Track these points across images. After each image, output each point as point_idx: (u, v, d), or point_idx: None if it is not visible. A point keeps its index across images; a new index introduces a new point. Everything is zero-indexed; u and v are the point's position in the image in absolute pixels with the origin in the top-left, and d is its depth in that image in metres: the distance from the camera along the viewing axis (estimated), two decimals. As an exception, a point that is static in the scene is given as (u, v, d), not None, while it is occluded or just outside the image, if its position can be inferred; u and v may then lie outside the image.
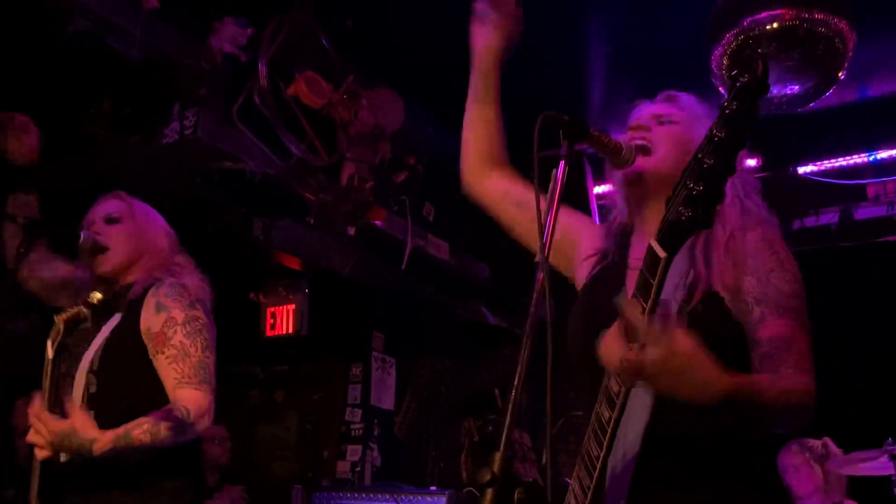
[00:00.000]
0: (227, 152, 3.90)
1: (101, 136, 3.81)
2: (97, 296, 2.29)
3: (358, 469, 5.73)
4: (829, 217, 5.11)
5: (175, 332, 2.26)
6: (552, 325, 1.37)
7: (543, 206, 1.47)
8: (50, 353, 2.20)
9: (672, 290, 1.59)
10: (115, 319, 2.36)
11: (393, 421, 6.10)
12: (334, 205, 4.19)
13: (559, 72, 4.53)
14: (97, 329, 2.35)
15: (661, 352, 1.23)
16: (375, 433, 5.88)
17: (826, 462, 3.95)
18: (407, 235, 4.89)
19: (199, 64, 3.65)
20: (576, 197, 5.52)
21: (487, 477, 1.17)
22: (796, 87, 3.43)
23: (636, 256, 1.76)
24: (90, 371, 2.28)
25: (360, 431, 5.84)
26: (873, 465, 3.79)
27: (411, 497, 4.41)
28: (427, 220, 5.18)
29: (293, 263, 4.95)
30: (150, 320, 2.29)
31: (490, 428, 5.74)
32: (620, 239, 1.82)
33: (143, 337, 2.29)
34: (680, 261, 1.63)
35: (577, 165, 5.45)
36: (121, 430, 2.09)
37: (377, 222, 4.61)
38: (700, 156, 1.17)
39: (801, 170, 5.12)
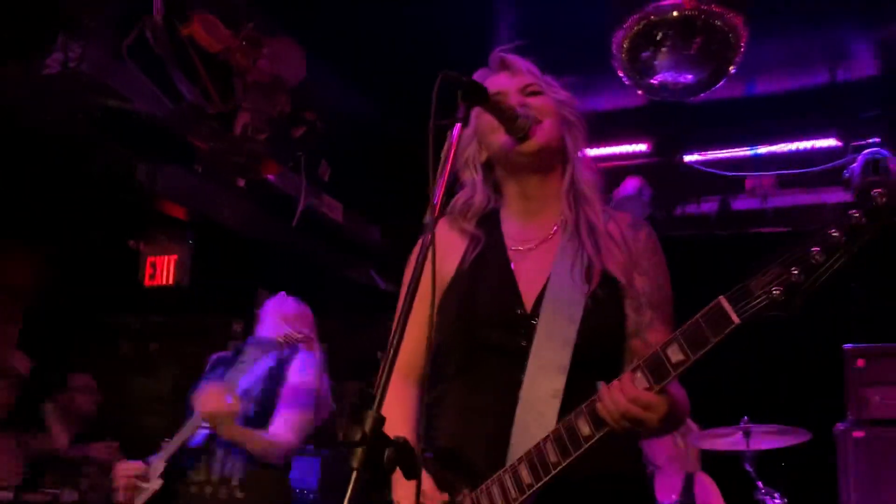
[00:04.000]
0: (113, 89, 3.69)
1: (-27, 62, 3.54)
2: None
3: (234, 426, 5.62)
4: (710, 206, 5.35)
5: (301, 395, 3.23)
6: (434, 288, 1.37)
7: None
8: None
9: (569, 271, 1.61)
10: (270, 361, 3.28)
11: (273, 380, 6.02)
12: (225, 154, 4.05)
13: (463, 39, 4.50)
14: (255, 359, 3.26)
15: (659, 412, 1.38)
16: (254, 391, 5.79)
17: (686, 436, 4.17)
18: (300, 193, 4.78)
19: (86, -9, 3.43)
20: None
21: (359, 436, 1.15)
22: (690, 77, 3.55)
23: (513, 237, 1.73)
24: (250, 397, 3.15)
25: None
26: (729, 440, 4.02)
27: (286, 456, 4.35)
28: (322, 180, 5.08)
29: (178, 212, 4.78)
30: (294, 375, 3.25)
31: (371, 390, 5.74)
32: (487, 220, 1.77)
33: (271, 382, 3.24)
34: (568, 246, 1.65)
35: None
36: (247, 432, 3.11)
37: (270, 176, 4.49)
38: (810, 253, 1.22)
39: (687, 158, 5.33)
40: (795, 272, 1.20)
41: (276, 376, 3.26)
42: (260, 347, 3.37)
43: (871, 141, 4.88)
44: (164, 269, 5.25)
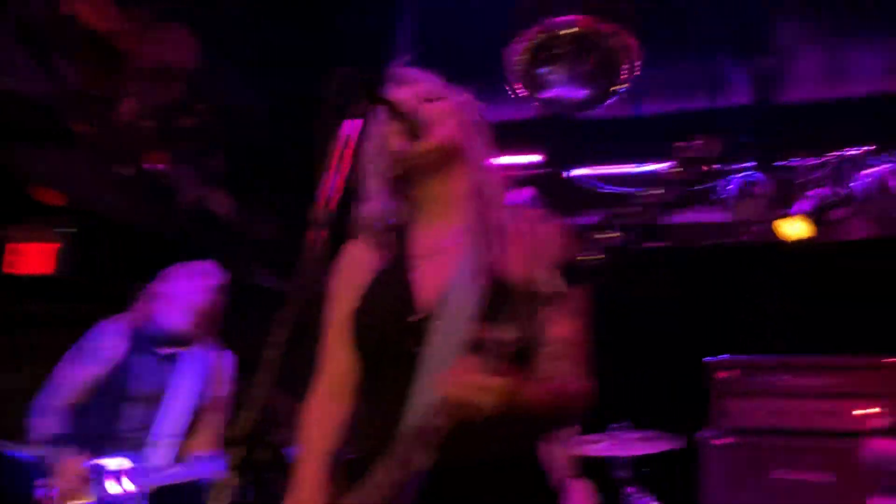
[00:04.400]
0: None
1: None
2: None
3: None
4: (595, 220, 5.52)
5: (228, 402, 3.29)
6: (314, 296, 1.36)
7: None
8: None
9: (469, 274, 1.60)
10: (198, 364, 3.23)
11: (150, 377, 5.79)
12: (108, 140, 3.88)
13: (362, 40, 4.50)
14: (171, 361, 3.19)
15: (496, 394, 1.33)
16: (129, 388, 5.55)
17: (563, 441, 4.28)
18: (188, 184, 4.63)
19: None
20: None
21: (232, 438, 1.13)
22: (582, 93, 3.67)
23: (419, 244, 1.73)
24: (191, 410, 3.17)
25: (113, 385, 5.48)
26: (602, 446, 4.15)
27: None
28: (212, 172, 4.94)
29: (55, 199, 4.54)
30: (220, 385, 3.28)
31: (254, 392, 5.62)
32: (396, 232, 1.76)
33: (206, 386, 3.22)
34: (472, 248, 1.65)
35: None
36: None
37: (156, 165, 4.33)
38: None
39: (576, 172, 5.49)
40: (615, 236, 1.21)
41: (208, 386, 3.25)
42: (176, 340, 3.22)
43: (746, 165, 5.18)
44: (36, 258, 4.97)
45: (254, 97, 5.20)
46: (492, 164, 1.78)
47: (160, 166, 4.42)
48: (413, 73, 1.77)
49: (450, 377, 1.36)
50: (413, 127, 1.61)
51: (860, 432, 2.65)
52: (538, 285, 1.57)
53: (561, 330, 1.57)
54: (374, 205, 1.76)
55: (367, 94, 1.47)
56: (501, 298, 1.55)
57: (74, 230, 5.04)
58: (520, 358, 1.42)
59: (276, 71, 4.79)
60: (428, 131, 1.65)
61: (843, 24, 4.25)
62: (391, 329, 1.62)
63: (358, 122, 1.45)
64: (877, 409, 3.62)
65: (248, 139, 5.22)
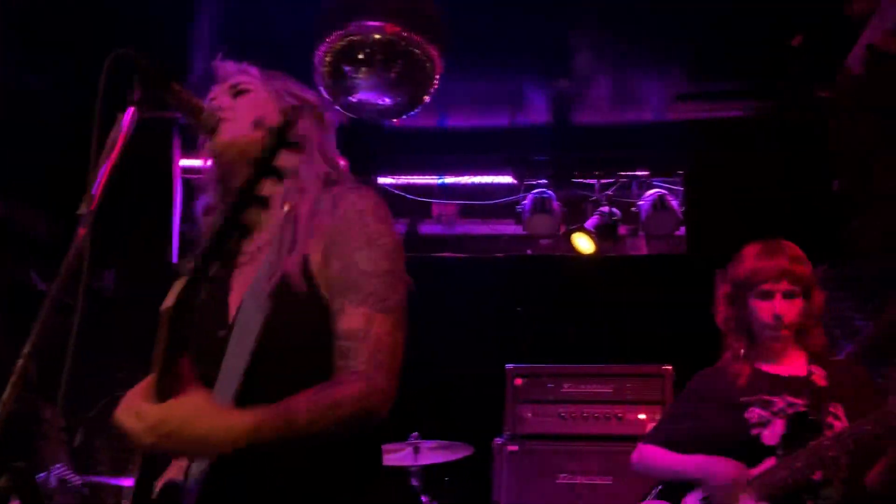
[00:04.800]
0: None
1: None
2: None
3: None
4: (398, 228, 5.57)
5: None
6: (85, 289, 1.20)
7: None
8: None
9: (266, 279, 1.43)
10: None
11: None
12: None
13: (163, 32, 4.23)
14: None
15: (146, 421, 1.19)
16: None
17: None
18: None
19: None
20: (161, 170, 5.20)
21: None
22: (388, 100, 3.65)
23: (244, 249, 1.52)
24: None
25: None
26: (398, 456, 4.14)
27: None
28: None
29: None
30: None
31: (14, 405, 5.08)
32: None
33: None
34: (275, 249, 1.47)
35: (164, 133, 5.13)
36: None
37: None
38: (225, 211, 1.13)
39: (381, 180, 5.51)
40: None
41: None
42: None
43: (539, 182, 5.43)
44: None
45: (30, 76, 4.73)
46: (321, 150, 1.60)
47: None
48: (224, 65, 1.65)
49: (124, 400, 1.25)
50: (204, 123, 1.48)
51: (639, 437, 2.82)
52: None
53: (349, 321, 1.40)
54: (206, 208, 1.64)
55: (148, 78, 1.33)
56: (289, 302, 1.41)
57: None
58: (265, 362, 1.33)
59: (61, 55, 4.40)
60: (226, 125, 1.53)
61: (631, 54, 4.56)
62: (204, 347, 1.43)
63: (138, 111, 1.31)
64: (655, 415, 3.89)
65: (22, 121, 4.74)
